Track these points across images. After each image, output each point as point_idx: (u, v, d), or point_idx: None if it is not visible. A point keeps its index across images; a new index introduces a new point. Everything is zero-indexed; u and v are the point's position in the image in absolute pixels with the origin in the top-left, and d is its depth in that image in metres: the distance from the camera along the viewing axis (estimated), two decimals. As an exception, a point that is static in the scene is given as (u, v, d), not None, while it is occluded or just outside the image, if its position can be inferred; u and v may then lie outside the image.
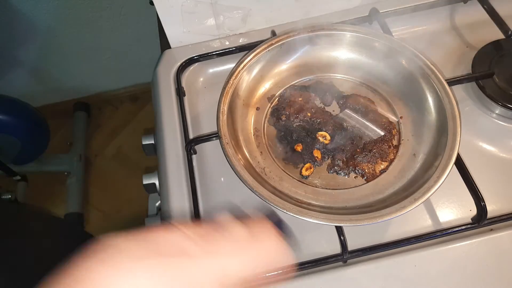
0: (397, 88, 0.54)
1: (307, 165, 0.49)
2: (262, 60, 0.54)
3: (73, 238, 0.69)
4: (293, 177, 0.48)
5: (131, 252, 0.20)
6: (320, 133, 0.51)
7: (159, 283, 0.20)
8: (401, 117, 0.52)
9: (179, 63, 0.62)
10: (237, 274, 0.22)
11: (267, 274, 0.23)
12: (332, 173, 0.49)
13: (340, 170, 0.49)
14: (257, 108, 0.54)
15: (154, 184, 0.61)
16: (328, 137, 0.50)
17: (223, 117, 0.48)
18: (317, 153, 0.49)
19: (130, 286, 0.19)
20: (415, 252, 0.45)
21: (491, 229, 0.46)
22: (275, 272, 0.24)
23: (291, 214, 0.40)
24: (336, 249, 0.45)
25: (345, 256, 0.44)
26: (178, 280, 0.20)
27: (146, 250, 0.21)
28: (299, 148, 0.50)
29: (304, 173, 0.48)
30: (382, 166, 0.48)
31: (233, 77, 0.52)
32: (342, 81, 0.56)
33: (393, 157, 0.49)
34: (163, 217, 0.52)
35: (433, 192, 0.41)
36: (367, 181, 0.48)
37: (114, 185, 1.50)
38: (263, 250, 0.23)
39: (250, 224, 0.25)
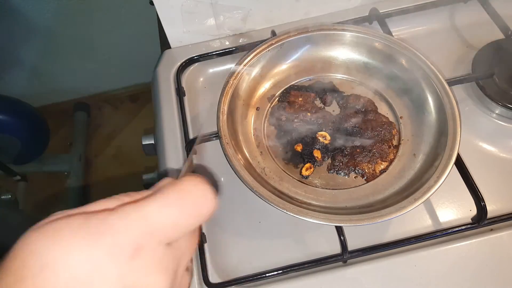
0: (397, 88, 0.54)
1: (307, 165, 0.49)
2: (262, 60, 0.54)
3: None
4: (293, 177, 0.48)
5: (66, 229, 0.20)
6: (320, 133, 0.51)
7: (84, 247, 0.19)
8: (401, 117, 0.52)
9: (179, 63, 0.62)
10: (161, 220, 0.21)
11: (193, 224, 0.22)
12: (332, 173, 0.49)
13: (340, 170, 0.49)
14: (257, 108, 0.54)
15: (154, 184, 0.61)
16: (328, 137, 0.50)
17: (223, 117, 0.48)
18: (317, 153, 0.49)
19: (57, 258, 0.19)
20: (415, 252, 0.45)
21: (491, 229, 0.46)
22: (200, 218, 0.22)
23: (291, 214, 0.40)
24: (336, 249, 0.45)
25: (345, 256, 0.44)
26: (102, 238, 0.19)
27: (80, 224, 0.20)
28: (299, 148, 0.50)
29: (304, 173, 0.48)
30: (382, 166, 0.48)
31: (233, 77, 0.52)
32: (342, 81, 0.56)
33: (393, 157, 0.49)
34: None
35: (433, 192, 0.41)
36: (367, 181, 0.48)
37: (114, 185, 1.50)
38: (185, 192, 0.22)
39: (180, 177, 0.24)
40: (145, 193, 0.23)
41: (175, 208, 0.22)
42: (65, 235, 0.19)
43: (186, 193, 0.22)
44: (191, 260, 0.24)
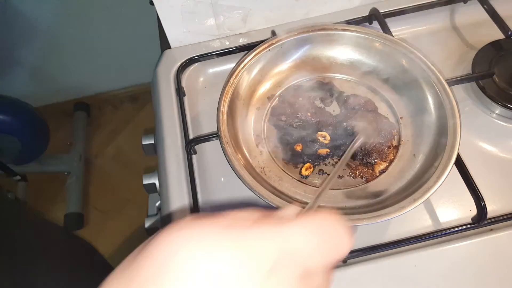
0: (397, 89, 0.54)
1: (307, 165, 0.49)
2: (262, 60, 0.54)
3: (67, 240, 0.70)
4: (292, 177, 0.48)
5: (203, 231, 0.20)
6: (320, 133, 0.51)
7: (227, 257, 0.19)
8: (401, 118, 0.52)
9: (179, 63, 0.62)
10: (301, 244, 0.20)
11: (329, 259, 0.22)
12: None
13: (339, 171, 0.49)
14: (257, 108, 0.54)
15: (154, 184, 0.61)
16: (328, 137, 0.50)
17: (223, 117, 0.48)
18: (317, 153, 0.49)
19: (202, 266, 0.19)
20: (415, 252, 0.45)
21: (491, 229, 0.46)
22: (337, 254, 0.22)
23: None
24: (336, 249, 0.45)
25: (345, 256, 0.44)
26: (243, 247, 0.19)
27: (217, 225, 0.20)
28: (299, 148, 0.50)
29: (304, 173, 0.48)
30: (382, 167, 0.48)
31: (234, 77, 0.52)
32: (343, 81, 0.56)
33: (392, 157, 0.49)
34: (163, 217, 0.52)
35: (433, 193, 0.41)
36: (367, 181, 0.48)
37: (114, 185, 1.50)
38: (326, 225, 0.22)
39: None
40: (275, 214, 0.23)
41: (316, 236, 0.21)
42: (211, 237, 0.19)
43: (327, 226, 0.22)
44: None
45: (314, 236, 0.21)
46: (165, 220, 0.51)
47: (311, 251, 0.21)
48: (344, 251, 0.22)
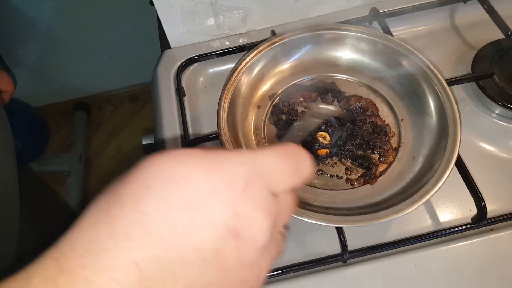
0: (399, 90, 0.54)
1: (307, 165, 0.48)
2: (264, 59, 0.54)
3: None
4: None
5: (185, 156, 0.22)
6: (320, 133, 0.51)
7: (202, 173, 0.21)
8: (401, 120, 0.52)
9: (179, 63, 0.62)
10: (270, 166, 0.23)
11: (295, 180, 0.24)
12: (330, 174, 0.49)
13: (338, 171, 0.49)
14: (258, 106, 0.54)
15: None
16: (328, 138, 0.50)
17: (224, 114, 0.48)
18: (316, 153, 0.49)
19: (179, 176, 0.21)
20: (415, 252, 0.45)
21: (491, 229, 0.46)
22: (301, 176, 0.25)
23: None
24: (336, 249, 0.45)
25: (345, 256, 0.44)
26: (220, 167, 0.21)
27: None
28: (299, 148, 0.50)
29: (304, 173, 0.48)
30: (381, 168, 0.48)
31: (235, 75, 0.51)
32: (344, 82, 0.56)
33: (392, 159, 0.49)
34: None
35: (431, 196, 0.41)
36: (366, 182, 0.48)
37: (114, 185, 1.50)
38: (290, 151, 0.24)
39: None
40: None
41: (283, 160, 0.24)
42: (190, 159, 0.21)
43: (292, 152, 0.24)
44: (286, 227, 0.26)
45: (281, 160, 0.24)
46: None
47: (279, 171, 0.23)
48: (306, 174, 0.25)
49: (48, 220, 0.69)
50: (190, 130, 0.56)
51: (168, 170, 0.21)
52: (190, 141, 0.52)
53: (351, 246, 0.44)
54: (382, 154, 0.49)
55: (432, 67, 0.50)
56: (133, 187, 0.21)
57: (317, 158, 0.49)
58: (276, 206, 0.23)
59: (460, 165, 0.47)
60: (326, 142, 0.50)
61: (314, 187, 0.47)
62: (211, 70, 0.64)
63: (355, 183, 0.47)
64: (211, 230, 0.20)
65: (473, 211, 0.46)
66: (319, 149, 0.50)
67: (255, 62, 0.53)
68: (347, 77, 0.56)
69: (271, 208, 0.22)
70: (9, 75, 0.68)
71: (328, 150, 0.50)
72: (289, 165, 0.24)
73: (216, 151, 0.23)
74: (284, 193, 0.24)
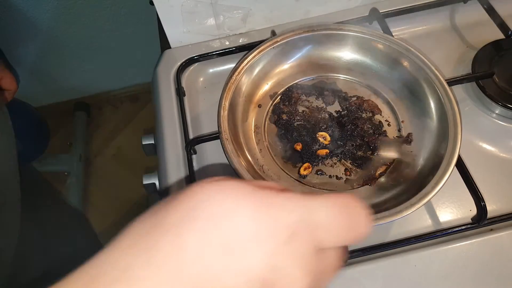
0: (399, 91, 0.54)
1: (306, 164, 0.48)
2: (266, 58, 0.54)
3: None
4: (291, 176, 0.48)
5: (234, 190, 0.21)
6: (320, 133, 0.51)
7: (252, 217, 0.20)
8: (402, 121, 0.52)
9: (179, 63, 0.62)
10: (321, 218, 0.21)
11: (347, 238, 0.22)
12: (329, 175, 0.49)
13: (338, 171, 0.49)
14: (259, 106, 0.54)
15: (154, 184, 0.61)
16: (328, 138, 0.50)
17: (224, 113, 0.48)
18: (316, 153, 0.49)
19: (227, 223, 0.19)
20: (415, 252, 0.45)
21: (491, 229, 0.46)
22: (354, 235, 0.22)
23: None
24: (336, 249, 0.45)
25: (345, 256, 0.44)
26: (268, 210, 0.20)
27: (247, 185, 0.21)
28: (298, 147, 0.50)
29: (302, 172, 0.48)
30: (381, 170, 0.48)
31: (236, 74, 0.51)
32: (346, 82, 0.56)
33: (392, 161, 0.49)
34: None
35: (430, 198, 0.41)
36: (365, 184, 0.48)
37: (114, 185, 1.50)
38: (349, 205, 0.22)
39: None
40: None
41: (338, 214, 0.21)
42: (239, 194, 0.20)
43: (350, 206, 0.22)
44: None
45: (336, 213, 0.21)
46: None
47: (329, 226, 0.21)
48: (361, 234, 0.22)
49: (49, 218, 0.69)
50: (190, 130, 0.56)
51: (216, 203, 0.20)
52: (190, 141, 0.52)
53: (351, 246, 0.44)
54: (382, 155, 0.49)
55: (432, 67, 0.50)
56: (177, 215, 0.20)
57: (317, 158, 0.49)
58: (320, 264, 0.21)
59: (460, 165, 0.47)
60: (326, 142, 0.50)
61: (313, 187, 0.47)
62: (211, 70, 0.64)
63: (355, 184, 0.47)
64: (245, 280, 0.19)
65: (473, 211, 0.46)
66: (319, 149, 0.50)
67: (256, 61, 0.53)
68: (348, 77, 0.56)
69: (313, 266, 0.20)
70: (12, 74, 0.68)
71: (328, 150, 0.50)
72: (342, 220, 0.22)
73: (266, 190, 0.21)
74: (331, 250, 0.22)
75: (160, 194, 0.57)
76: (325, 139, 0.50)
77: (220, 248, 0.19)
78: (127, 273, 0.18)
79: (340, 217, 0.22)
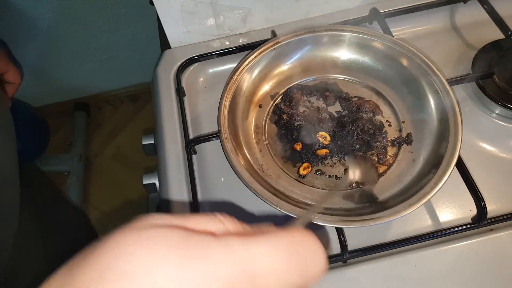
0: (400, 91, 0.54)
1: (305, 164, 0.48)
2: (267, 58, 0.54)
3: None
4: (290, 176, 0.48)
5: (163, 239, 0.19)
6: (320, 133, 0.51)
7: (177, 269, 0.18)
8: (403, 122, 0.52)
9: (179, 63, 0.62)
10: (266, 266, 0.18)
11: (298, 284, 0.19)
12: (329, 175, 0.49)
13: (338, 171, 0.49)
14: (260, 106, 0.54)
15: (154, 184, 0.61)
16: (328, 138, 0.50)
17: (224, 112, 0.48)
18: (316, 153, 0.49)
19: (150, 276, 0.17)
20: (415, 252, 0.45)
21: (491, 229, 0.46)
22: (305, 279, 0.19)
23: (284, 211, 0.40)
24: (336, 249, 0.45)
25: (345, 256, 0.44)
26: (198, 264, 0.18)
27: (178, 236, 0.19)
28: (298, 147, 0.50)
29: (302, 172, 0.48)
30: (380, 170, 0.48)
31: (237, 73, 0.52)
32: (347, 83, 0.56)
33: (392, 161, 0.49)
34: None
35: (429, 199, 0.41)
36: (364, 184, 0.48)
37: (114, 185, 1.50)
38: (298, 244, 0.19)
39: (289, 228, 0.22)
40: (248, 227, 0.21)
41: (284, 257, 0.19)
42: (161, 247, 0.18)
43: (299, 246, 0.20)
44: None
45: (281, 257, 0.19)
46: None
47: (275, 273, 0.19)
48: (314, 276, 0.20)
49: (50, 216, 0.70)
50: (190, 130, 0.56)
51: (133, 259, 0.18)
52: (190, 141, 0.52)
53: (351, 246, 0.44)
54: (382, 155, 0.49)
55: (433, 67, 0.50)
56: (86, 275, 0.18)
57: (316, 158, 0.49)
58: None
59: (460, 165, 0.47)
60: (326, 143, 0.50)
61: (312, 187, 0.47)
62: (211, 70, 0.64)
63: (354, 184, 0.47)
64: None
65: (473, 211, 0.46)
66: (319, 149, 0.50)
67: (257, 61, 0.53)
68: (349, 77, 0.56)
69: None
70: (17, 67, 0.68)
71: (327, 150, 0.50)
72: (290, 264, 0.19)
73: (201, 237, 0.19)
74: None
75: (160, 196, 0.57)
76: (325, 139, 0.50)
77: None
78: None
79: (287, 260, 0.19)
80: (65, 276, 0.18)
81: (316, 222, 0.40)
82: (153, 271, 0.17)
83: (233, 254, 0.18)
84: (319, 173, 0.49)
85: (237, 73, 0.51)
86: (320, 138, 0.50)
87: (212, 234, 0.19)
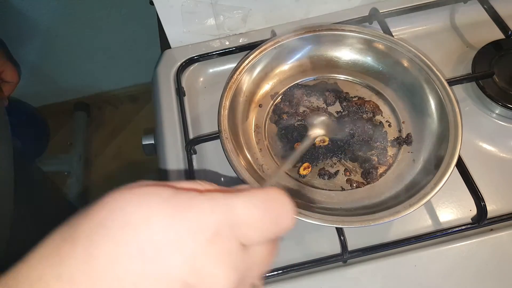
0: (400, 91, 0.54)
1: (305, 164, 0.48)
2: (267, 58, 0.54)
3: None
4: (290, 176, 0.48)
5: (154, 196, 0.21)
6: (319, 133, 0.51)
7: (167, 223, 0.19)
8: (403, 122, 0.52)
9: (179, 63, 0.62)
10: (245, 216, 0.21)
11: (271, 232, 0.22)
12: (328, 177, 0.49)
13: (337, 172, 0.49)
14: (260, 105, 0.54)
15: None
16: (327, 139, 0.50)
17: (225, 112, 0.48)
18: (316, 153, 0.49)
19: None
20: (415, 252, 0.45)
21: (491, 229, 0.46)
22: (279, 229, 0.22)
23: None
24: (336, 249, 0.45)
25: (345, 256, 0.44)
26: (187, 213, 0.20)
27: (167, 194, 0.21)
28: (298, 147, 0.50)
29: (302, 172, 0.48)
30: (380, 170, 0.48)
31: (238, 73, 0.51)
32: (347, 83, 0.56)
33: (392, 161, 0.49)
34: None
35: (428, 199, 0.41)
36: (364, 184, 0.48)
37: (114, 185, 1.49)
38: (272, 199, 0.22)
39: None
40: (226, 188, 0.24)
41: (260, 209, 0.21)
42: (154, 201, 0.20)
43: (272, 200, 0.22)
44: (260, 279, 0.24)
45: (257, 209, 0.21)
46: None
47: (253, 222, 0.21)
48: (285, 226, 0.23)
49: (49, 216, 0.69)
50: (190, 130, 0.56)
51: (128, 211, 0.19)
52: (190, 141, 0.52)
53: (351, 246, 0.44)
54: (382, 156, 0.49)
55: (433, 67, 0.50)
56: (88, 225, 0.19)
57: (316, 158, 0.49)
58: (246, 260, 0.21)
59: (460, 165, 0.47)
60: (326, 143, 0.50)
61: (312, 187, 0.47)
62: (211, 70, 0.64)
63: (354, 184, 0.47)
64: (165, 285, 0.18)
65: (473, 211, 0.46)
66: (318, 149, 0.50)
67: (257, 61, 0.53)
68: (349, 77, 0.56)
69: (239, 262, 0.20)
70: (14, 66, 0.68)
71: (326, 141, 0.49)
72: (267, 216, 0.22)
73: (187, 192, 0.21)
74: (259, 245, 0.22)
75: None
76: (324, 141, 0.50)
77: (136, 256, 0.18)
78: (39, 285, 0.18)
79: (263, 212, 0.22)
80: (66, 229, 0.20)
81: (316, 223, 0.40)
82: (149, 221, 0.19)
83: (217, 205, 0.21)
84: (319, 173, 0.48)
85: (237, 73, 0.51)
86: (318, 139, 0.50)
87: (198, 191, 0.22)
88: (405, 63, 0.52)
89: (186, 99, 0.59)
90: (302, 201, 0.45)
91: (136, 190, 0.21)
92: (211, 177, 0.53)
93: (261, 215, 0.22)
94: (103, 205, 0.20)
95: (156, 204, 0.20)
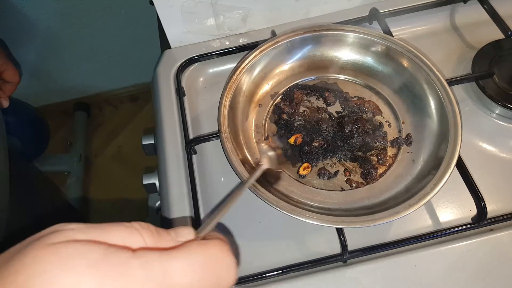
0: (400, 91, 0.54)
1: (305, 164, 0.48)
2: (267, 58, 0.54)
3: None
4: (290, 176, 0.48)
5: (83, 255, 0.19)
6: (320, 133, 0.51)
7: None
8: (403, 122, 0.52)
9: (179, 63, 0.62)
10: (181, 282, 0.20)
11: None
12: (327, 177, 0.49)
13: (337, 172, 0.49)
14: (260, 105, 0.54)
15: (154, 184, 0.61)
16: (328, 138, 0.50)
17: (224, 112, 0.48)
18: (315, 153, 0.49)
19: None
20: (415, 252, 0.45)
21: (491, 229, 0.46)
22: None
23: (284, 212, 0.40)
24: (336, 249, 0.45)
25: (345, 256, 0.44)
26: (116, 283, 0.18)
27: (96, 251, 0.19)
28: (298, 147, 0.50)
29: (302, 172, 0.48)
30: (380, 171, 0.48)
31: (237, 73, 0.51)
32: (347, 83, 0.56)
33: (392, 161, 0.49)
34: (163, 217, 0.52)
35: (428, 200, 0.41)
36: (364, 184, 0.48)
37: (114, 185, 1.50)
38: (212, 260, 0.21)
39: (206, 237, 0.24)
40: (167, 236, 0.22)
41: (199, 273, 0.20)
42: (81, 265, 0.18)
43: (212, 261, 0.21)
44: None
45: (195, 273, 0.20)
46: (165, 220, 0.51)
47: (191, 287, 0.20)
48: (226, 286, 0.22)
49: (49, 216, 0.69)
50: (190, 130, 0.56)
51: (50, 278, 0.17)
52: (190, 141, 0.52)
53: (351, 246, 0.44)
54: (382, 156, 0.49)
55: (433, 68, 0.50)
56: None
57: (316, 158, 0.49)
58: None
59: (460, 165, 0.47)
60: (320, 144, 0.50)
61: (311, 187, 0.47)
62: (211, 70, 0.64)
63: (354, 185, 0.48)
64: None
65: (473, 211, 0.46)
66: (318, 149, 0.50)
67: (257, 61, 0.53)
68: (349, 78, 0.56)
69: None
70: (15, 66, 0.68)
71: (327, 151, 0.50)
72: (206, 279, 0.21)
73: (119, 255, 0.19)
74: None
75: (160, 195, 0.57)
76: (325, 140, 0.50)
77: None
78: None
79: (201, 276, 0.21)
80: None
81: (316, 223, 0.40)
82: None
83: (151, 272, 0.19)
84: (319, 173, 0.48)
85: (237, 73, 0.51)
86: (320, 138, 0.50)
87: (131, 250, 0.20)
88: (405, 63, 0.52)
89: (186, 99, 0.59)
90: (302, 201, 0.45)
91: (61, 250, 0.18)
92: (211, 177, 0.53)
93: (199, 279, 0.20)
94: (22, 265, 0.18)
95: (83, 269, 0.18)
